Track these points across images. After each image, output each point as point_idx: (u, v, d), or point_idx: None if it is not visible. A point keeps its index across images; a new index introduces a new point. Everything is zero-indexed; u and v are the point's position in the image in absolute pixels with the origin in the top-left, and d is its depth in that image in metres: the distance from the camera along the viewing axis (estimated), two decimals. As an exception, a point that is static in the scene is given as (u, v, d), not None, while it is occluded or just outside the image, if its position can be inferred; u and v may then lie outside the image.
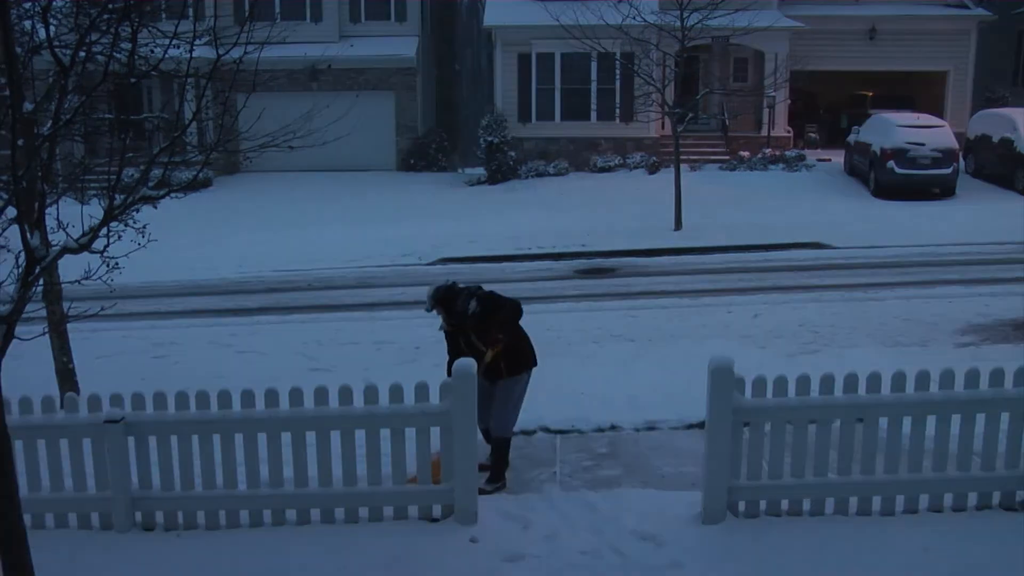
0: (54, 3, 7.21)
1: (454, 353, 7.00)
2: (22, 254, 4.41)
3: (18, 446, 5.49)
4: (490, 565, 5.73)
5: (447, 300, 6.89)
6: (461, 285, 7.10)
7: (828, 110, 31.35)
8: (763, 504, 6.19)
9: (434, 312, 7.02)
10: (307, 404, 6.18)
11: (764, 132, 26.56)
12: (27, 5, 8.64)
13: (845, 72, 28.79)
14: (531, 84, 26.21)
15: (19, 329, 4.52)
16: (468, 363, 6.12)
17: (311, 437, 6.17)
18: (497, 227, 19.38)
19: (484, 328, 6.84)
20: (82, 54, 5.54)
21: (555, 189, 23.84)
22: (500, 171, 25.42)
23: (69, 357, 9.20)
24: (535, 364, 7.15)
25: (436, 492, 6.27)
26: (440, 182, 26.31)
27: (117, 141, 5.72)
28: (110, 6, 6.10)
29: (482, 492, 6.54)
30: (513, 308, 6.93)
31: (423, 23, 29.77)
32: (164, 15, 12.12)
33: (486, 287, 7.13)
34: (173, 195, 5.32)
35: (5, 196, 4.77)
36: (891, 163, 21.27)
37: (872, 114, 24.95)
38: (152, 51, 6.59)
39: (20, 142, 4.36)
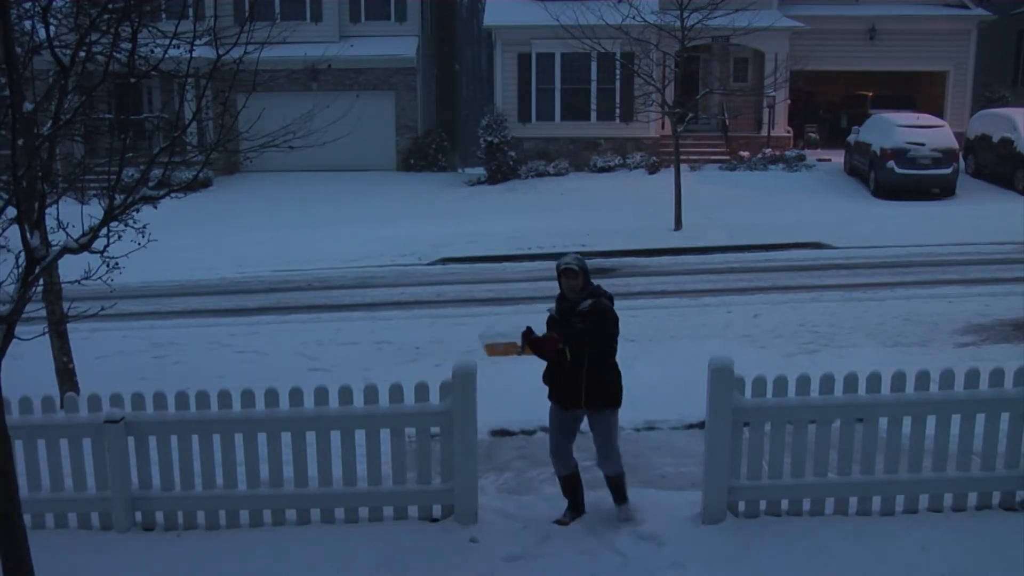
0: (54, 3, 7.20)
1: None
2: (22, 254, 4.42)
3: (18, 446, 5.50)
4: (490, 565, 5.73)
5: (584, 272, 6.13)
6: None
7: (828, 110, 31.35)
8: (763, 504, 6.19)
9: (557, 273, 6.12)
10: (307, 404, 6.19)
11: (764, 132, 26.56)
12: (27, 5, 8.65)
13: (845, 72, 28.80)
14: (531, 84, 26.20)
15: (19, 329, 4.53)
16: (468, 363, 6.12)
17: (311, 437, 6.18)
18: (497, 227, 19.38)
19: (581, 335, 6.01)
20: (82, 54, 5.54)
21: (555, 189, 23.84)
22: (500, 171, 25.41)
23: (69, 357, 9.20)
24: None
25: (436, 492, 6.27)
26: (440, 182, 26.31)
27: (117, 141, 5.71)
28: (110, 6, 6.10)
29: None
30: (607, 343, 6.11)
31: (423, 23, 29.77)
32: (164, 15, 12.12)
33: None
34: (173, 195, 5.32)
35: (5, 196, 4.77)
36: (891, 163, 21.27)
37: (872, 114, 24.96)
38: (152, 51, 6.59)
39: (20, 142, 4.36)
